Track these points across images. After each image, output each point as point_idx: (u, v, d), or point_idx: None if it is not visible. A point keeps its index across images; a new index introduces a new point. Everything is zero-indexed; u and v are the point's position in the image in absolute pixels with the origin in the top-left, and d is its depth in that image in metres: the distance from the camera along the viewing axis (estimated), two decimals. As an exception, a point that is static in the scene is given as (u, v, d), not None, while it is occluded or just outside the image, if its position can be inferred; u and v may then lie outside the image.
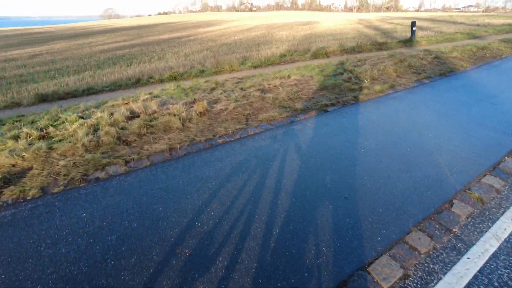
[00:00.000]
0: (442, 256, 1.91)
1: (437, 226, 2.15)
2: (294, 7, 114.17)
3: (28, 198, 2.55)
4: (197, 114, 4.26)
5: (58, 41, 22.16)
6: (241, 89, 5.47)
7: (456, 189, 2.57)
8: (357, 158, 3.11)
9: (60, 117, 4.23)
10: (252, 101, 4.81)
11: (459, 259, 1.88)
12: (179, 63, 8.97)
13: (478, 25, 19.19)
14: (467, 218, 2.25)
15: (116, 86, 6.54)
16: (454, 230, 2.13)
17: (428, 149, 3.30)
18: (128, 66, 9.60)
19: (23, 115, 4.63)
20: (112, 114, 4.17)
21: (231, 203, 2.41)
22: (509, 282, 1.70)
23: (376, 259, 1.88)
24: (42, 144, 3.36)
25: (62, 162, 3.04)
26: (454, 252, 1.94)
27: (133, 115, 4.22)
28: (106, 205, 2.44)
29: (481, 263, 1.85)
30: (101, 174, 2.90)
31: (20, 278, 1.78)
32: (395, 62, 7.40)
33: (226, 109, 4.49)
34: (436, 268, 1.82)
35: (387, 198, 2.46)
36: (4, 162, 3.01)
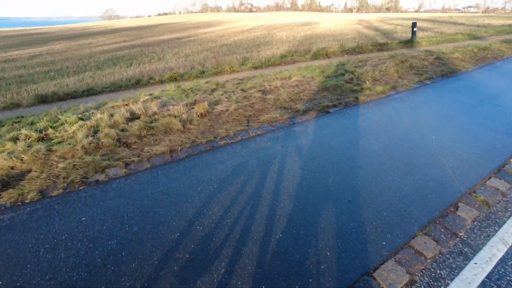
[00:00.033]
0: (449, 261, 1.87)
1: (442, 230, 2.12)
2: (294, 7, 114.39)
3: (26, 201, 2.51)
4: (198, 116, 4.22)
5: (58, 41, 22.16)
6: (242, 90, 5.43)
7: (461, 192, 2.53)
8: (359, 160, 3.08)
9: (59, 119, 4.19)
10: (253, 102, 4.77)
11: (466, 264, 1.84)
12: (179, 64, 8.94)
13: (478, 25, 19.18)
14: (473, 221, 2.21)
15: (116, 87, 6.51)
16: (460, 234, 2.09)
17: (431, 150, 3.26)
18: (128, 67, 9.57)
19: (22, 116, 4.59)
20: (112, 115, 4.13)
21: (233, 206, 2.37)
22: (518, 288, 1.67)
23: (382, 264, 1.84)
24: (41, 146, 3.32)
25: (61, 165, 3.01)
26: (461, 257, 1.90)
27: (133, 117, 4.18)
28: (106, 208, 2.40)
29: (488, 268, 1.81)
30: (101, 177, 2.86)
31: (18, 284, 1.74)
32: (396, 63, 7.37)
33: (227, 110, 4.45)
34: (443, 273, 1.79)
35: (391, 201, 2.42)
36: (2, 164, 2.97)
